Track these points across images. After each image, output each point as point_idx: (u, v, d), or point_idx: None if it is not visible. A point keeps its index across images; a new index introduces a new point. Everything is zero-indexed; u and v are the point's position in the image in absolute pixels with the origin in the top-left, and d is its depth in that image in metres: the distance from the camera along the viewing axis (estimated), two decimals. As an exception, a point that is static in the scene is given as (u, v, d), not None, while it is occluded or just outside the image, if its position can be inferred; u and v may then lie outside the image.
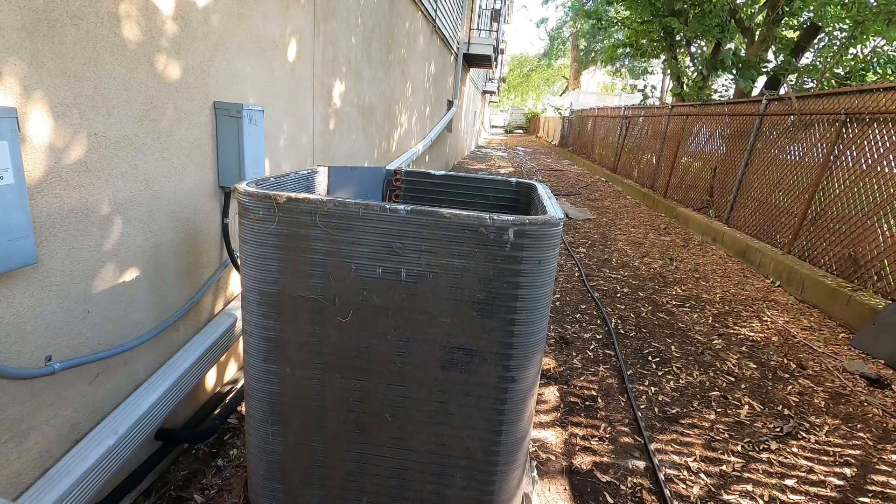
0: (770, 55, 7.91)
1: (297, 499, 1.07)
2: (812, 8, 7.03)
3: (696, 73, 9.47)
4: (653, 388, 2.48)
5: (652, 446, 2.00)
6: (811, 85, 7.44)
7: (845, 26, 7.00)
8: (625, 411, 2.27)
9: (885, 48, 7.33)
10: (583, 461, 1.91)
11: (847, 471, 1.93)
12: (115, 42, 1.22)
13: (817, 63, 7.69)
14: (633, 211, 7.61)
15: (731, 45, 8.92)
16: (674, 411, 2.28)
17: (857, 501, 1.77)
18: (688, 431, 2.13)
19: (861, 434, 2.18)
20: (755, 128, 5.55)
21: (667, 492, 1.73)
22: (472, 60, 11.17)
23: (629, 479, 1.83)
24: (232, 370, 2.08)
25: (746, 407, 2.35)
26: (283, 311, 0.95)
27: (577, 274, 4.27)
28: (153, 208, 1.43)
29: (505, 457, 1.00)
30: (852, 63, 6.96)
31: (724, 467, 1.91)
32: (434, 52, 6.78)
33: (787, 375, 2.69)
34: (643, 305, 3.61)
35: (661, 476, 1.82)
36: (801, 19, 7.79)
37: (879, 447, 2.09)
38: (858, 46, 7.36)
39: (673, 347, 2.95)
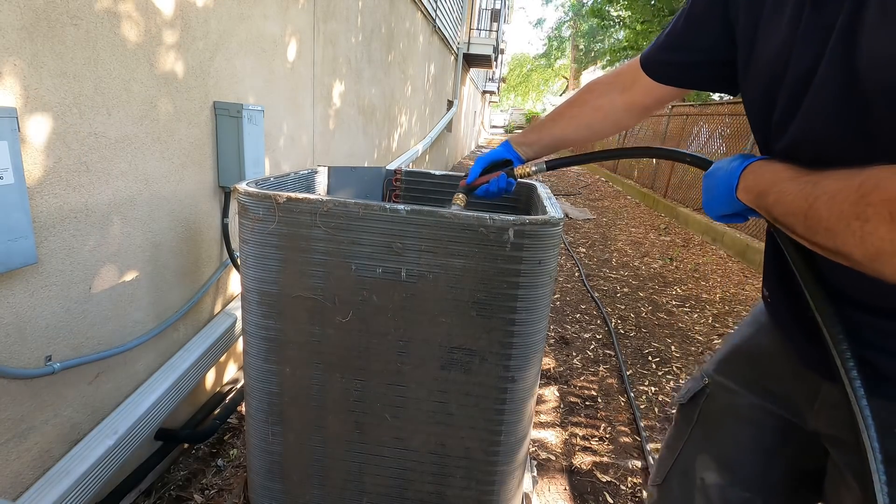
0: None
1: (297, 499, 1.07)
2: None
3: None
4: (653, 388, 2.48)
5: (649, 446, 1.99)
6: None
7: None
8: (625, 411, 2.27)
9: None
10: (583, 461, 1.91)
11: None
12: (115, 42, 1.22)
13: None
14: (633, 211, 7.61)
15: None
16: (674, 411, 2.28)
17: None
18: (688, 431, 2.13)
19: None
20: (755, 128, 5.54)
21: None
22: (472, 60, 11.17)
23: (629, 479, 1.83)
24: (232, 370, 2.08)
25: (746, 407, 2.35)
26: (283, 311, 0.95)
27: (577, 274, 4.27)
28: (153, 208, 1.43)
29: (505, 457, 1.00)
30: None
31: (724, 467, 1.91)
32: (434, 53, 6.78)
33: (787, 375, 2.69)
34: (643, 305, 3.61)
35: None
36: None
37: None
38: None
39: (673, 347, 2.95)
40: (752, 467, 0.82)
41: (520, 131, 1.11)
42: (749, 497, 0.83)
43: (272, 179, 1.12)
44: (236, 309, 1.87)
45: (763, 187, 0.64)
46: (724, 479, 0.85)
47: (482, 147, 21.41)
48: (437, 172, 1.53)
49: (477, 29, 12.28)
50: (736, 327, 0.93)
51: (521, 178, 1.05)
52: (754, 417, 0.82)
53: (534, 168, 1.04)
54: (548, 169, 1.05)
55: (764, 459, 0.81)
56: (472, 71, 14.36)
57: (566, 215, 6.79)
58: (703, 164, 0.82)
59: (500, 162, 1.09)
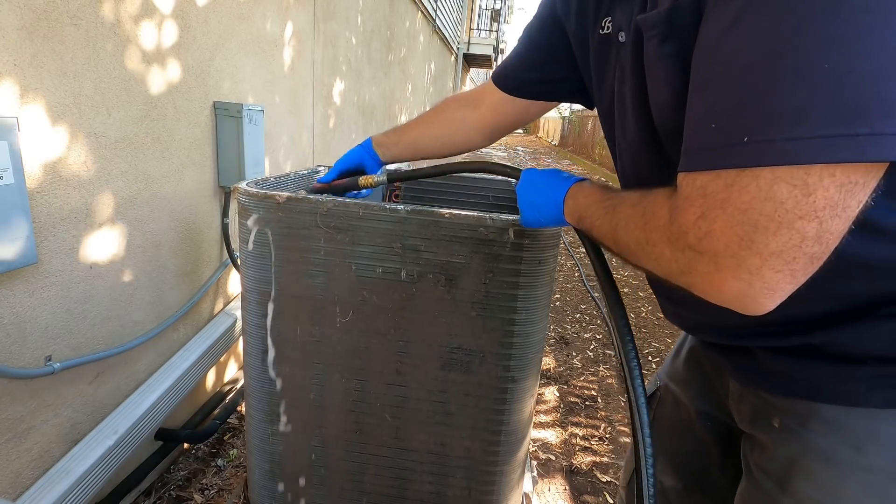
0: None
1: (297, 499, 1.07)
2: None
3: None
4: (653, 388, 2.48)
5: (652, 446, 1.99)
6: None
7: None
8: (625, 411, 2.27)
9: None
10: (583, 461, 1.91)
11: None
12: (115, 42, 1.22)
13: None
14: (633, 211, 7.61)
15: None
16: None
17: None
18: (688, 431, 2.13)
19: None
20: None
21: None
22: (472, 60, 11.18)
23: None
24: (232, 370, 2.08)
25: (746, 407, 2.35)
26: (283, 311, 0.95)
27: (577, 274, 4.27)
28: (153, 208, 1.43)
29: (505, 457, 1.00)
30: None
31: (724, 467, 1.91)
32: (434, 52, 6.78)
33: (787, 375, 2.69)
34: (643, 305, 3.61)
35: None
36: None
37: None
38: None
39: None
40: (703, 476, 0.83)
41: (384, 131, 1.10)
42: (705, 501, 0.83)
43: (272, 179, 1.12)
44: (236, 309, 1.87)
45: (580, 212, 0.66)
46: (679, 484, 0.86)
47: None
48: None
49: (477, 29, 12.29)
50: None
51: (365, 187, 1.05)
52: (697, 428, 0.81)
53: (377, 179, 1.04)
54: (389, 181, 1.04)
55: (713, 468, 0.81)
56: (472, 71, 14.36)
57: (566, 215, 6.77)
58: (515, 174, 0.83)
59: (355, 166, 1.09)
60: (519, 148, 21.07)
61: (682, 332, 0.89)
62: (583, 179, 0.70)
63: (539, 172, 0.76)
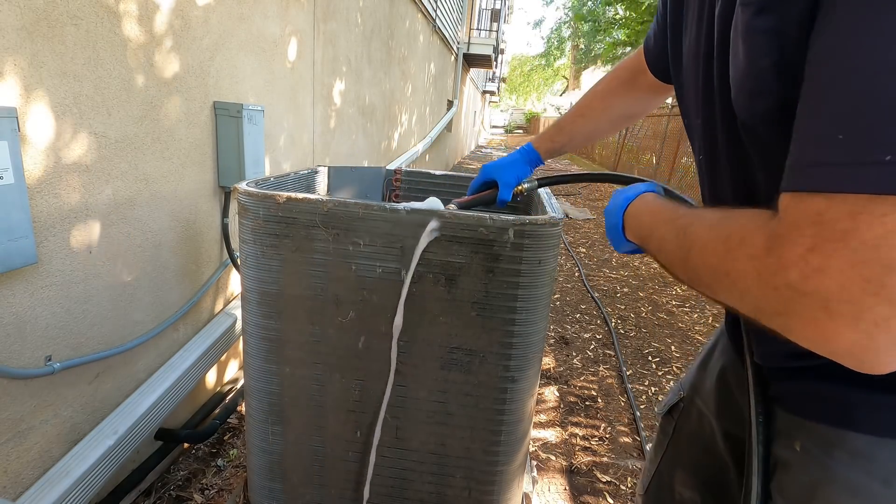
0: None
1: (297, 499, 1.07)
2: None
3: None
4: (653, 388, 2.48)
5: (649, 446, 1.99)
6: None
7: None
8: (625, 411, 2.27)
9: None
10: (582, 461, 1.91)
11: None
12: (115, 42, 1.22)
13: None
14: (633, 211, 7.60)
15: None
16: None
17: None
18: (688, 431, 2.13)
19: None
20: (755, 128, 5.54)
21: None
22: (472, 60, 11.17)
23: (629, 479, 1.83)
24: (232, 370, 2.08)
25: (746, 407, 2.35)
26: (283, 311, 0.95)
27: (577, 274, 4.27)
28: (153, 208, 1.43)
29: (505, 457, 1.00)
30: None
31: (724, 467, 1.91)
32: (434, 52, 6.78)
33: (787, 375, 2.68)
34: (643, 305, 3.61)
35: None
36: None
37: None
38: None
39: (673, 347, 2.95)
40: (722, 493, 0.79)
41: (542, 133, 1.09)
42: None
43: (272, 179, 1.12)
44: (236, 309, 1.87)
45: (644, 232, 0.59)
46: (697, 498, 0.82)
47: (482, 147, 21.40)
48: (437, 172, 1.53)
49: (477, 29, 12.28)
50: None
51: (519, 194, 1.10)
52: (719, 443, 0.77)
53: (526, 185, 1.09)
54: (538, 187, 1.09)
55: (733, 486, 0.77)
56: (472, 71, 14.36)
57: (566, 215, 6.79)
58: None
59: (516, 173, 1.08)
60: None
61: (708, 340, 0.86)
62: (647, 191, 0.63)
63: (618, 192, 0.69)
